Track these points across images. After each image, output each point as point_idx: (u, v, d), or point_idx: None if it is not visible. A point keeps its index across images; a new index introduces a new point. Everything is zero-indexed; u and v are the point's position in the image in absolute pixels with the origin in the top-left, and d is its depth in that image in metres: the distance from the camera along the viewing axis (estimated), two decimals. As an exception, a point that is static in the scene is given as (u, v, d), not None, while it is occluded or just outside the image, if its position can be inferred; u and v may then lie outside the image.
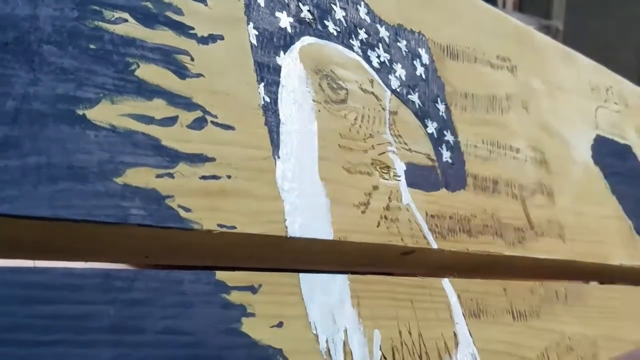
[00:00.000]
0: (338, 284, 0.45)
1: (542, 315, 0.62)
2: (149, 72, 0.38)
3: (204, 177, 0.39)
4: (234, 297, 0.39)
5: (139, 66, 0.38)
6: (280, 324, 0.40)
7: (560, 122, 0.77)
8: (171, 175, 0.37)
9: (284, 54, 0.47)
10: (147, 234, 0.36)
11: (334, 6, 0.53)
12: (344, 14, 0.53)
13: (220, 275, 0.38)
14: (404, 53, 0.58)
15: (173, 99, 0.39)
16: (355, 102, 0.51)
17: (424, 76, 0.59)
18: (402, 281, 0.50)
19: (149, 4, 0.40)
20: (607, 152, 0.84)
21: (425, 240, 0.52)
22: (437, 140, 0.58)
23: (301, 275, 0.43)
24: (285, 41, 0.48)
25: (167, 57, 0.40)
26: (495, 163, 0.64)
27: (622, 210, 0.82)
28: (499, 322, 0.57)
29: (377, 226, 0.49)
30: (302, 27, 0.50)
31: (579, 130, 0.80)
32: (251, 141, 0.43)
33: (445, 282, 0.54)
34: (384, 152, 0.52)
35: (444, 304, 0.52)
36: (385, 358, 0.46)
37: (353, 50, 0.53)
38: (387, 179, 0.51)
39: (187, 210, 0.38)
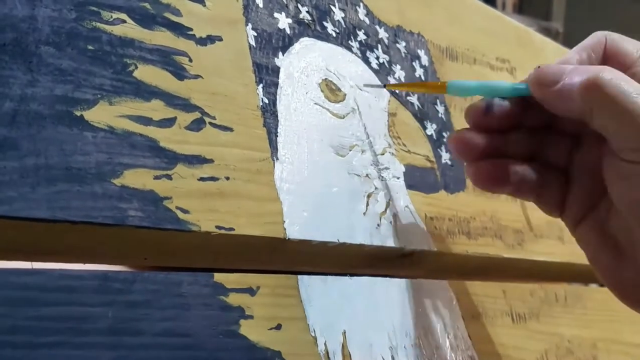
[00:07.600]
0: (337, 286, 0.45)
1: (541, 318, 0.62)
2: (147, 73, 0.38)
3: (202, 179, 0.39)
4: (232, 299, 0.39)
5: (137, 67, 0.38)
6: (278, 326, 0.40)
7: (560, 123, 0.77)
8: (169, 177, 0.37)
9: (283, 55, 0.47)
10: (145, 236, 0.36)
11: (333, 7, 0.53)
12: (343, 15, 0.53)
13: (218, 277, 0.38)
14: (403, 54, 0.58)
15: (171, 100, 0.39)
16: (354, 103, 0.51)
17: (423, 77, 0.59)
18: (401, 283, 0.50)
19: (147, 5, 0.40)
20: (607, 154, 0.84)
21: (425, 242, 0.52)
22: (436, 142, 0.58)
23: (300, 277, 0.43)
24: (284, 42, 0.48)
25: (166, 58, 0.40)
26: (494, 165, 0.63)
27: (621, 212, 0.82)
28: (498, 324, 0.56)
29: (376, 228, 0.49)
30: (301, 28, 0.50)
31: (579, 132, 0.80)
32: (250, 142, 0.43)
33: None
34: (382, 154, 0.52)
35: (443, 306, 0.52)
36: (384, 360, 0.46)
37: (352, 52, 0.53)
38: (386, 180, 0.51)
39: (185, 211, 0.37)
